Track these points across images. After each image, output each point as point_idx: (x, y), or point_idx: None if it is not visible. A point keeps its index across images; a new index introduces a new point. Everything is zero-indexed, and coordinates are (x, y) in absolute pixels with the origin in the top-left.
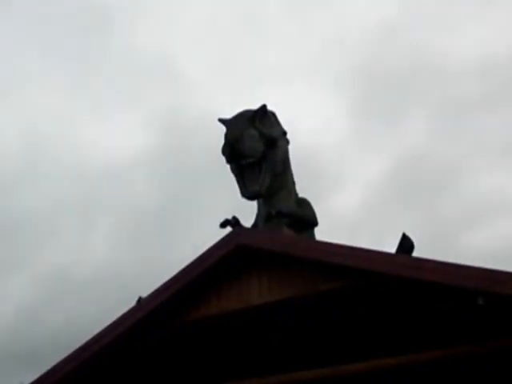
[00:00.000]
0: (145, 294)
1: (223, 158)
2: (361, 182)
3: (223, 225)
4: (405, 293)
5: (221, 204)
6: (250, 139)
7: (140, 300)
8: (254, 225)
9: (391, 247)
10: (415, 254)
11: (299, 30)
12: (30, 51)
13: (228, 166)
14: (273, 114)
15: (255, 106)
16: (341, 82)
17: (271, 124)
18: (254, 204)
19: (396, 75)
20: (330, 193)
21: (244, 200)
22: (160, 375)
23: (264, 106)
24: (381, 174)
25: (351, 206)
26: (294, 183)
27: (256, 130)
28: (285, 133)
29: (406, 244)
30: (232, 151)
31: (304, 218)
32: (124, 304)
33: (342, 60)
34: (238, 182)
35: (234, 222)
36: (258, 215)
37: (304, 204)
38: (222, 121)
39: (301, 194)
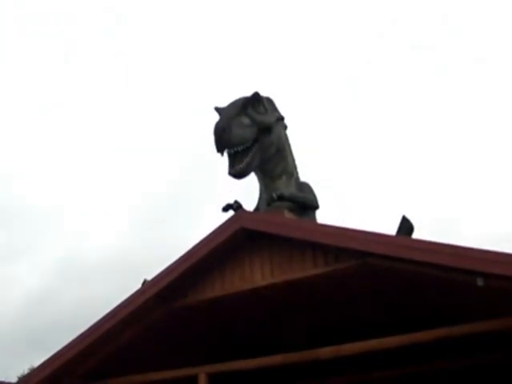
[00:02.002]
0: (150, 277)
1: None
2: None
3: (225, 209)
4: (405, 274)
5: (223, 189)
6: (238, 128)
7: (145, 283)
8: (256, 209)
9: (392, 229)
10: (415, 235)
11: (296, 26)
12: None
13: None
14: (269, 100)
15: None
16: (341, 68)
17: (265, 110)
18: (256, 188)
19: (395, 63)
20: (333, 178)
21: (246, 186)
22: (165, 356)
23: (256, 93)
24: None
25: (353, 190)
26: (295, 167)
27: (248, 117)
28: (281, 118)
29: (405, 226)
30: (219, 141)
31: (305, 201)
32: (131, 287)
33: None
34: (229, 160)
35: (236, 206)
36: (259, 199)
37: (305, 188)
38: (217, 110)
39: (304, 178)
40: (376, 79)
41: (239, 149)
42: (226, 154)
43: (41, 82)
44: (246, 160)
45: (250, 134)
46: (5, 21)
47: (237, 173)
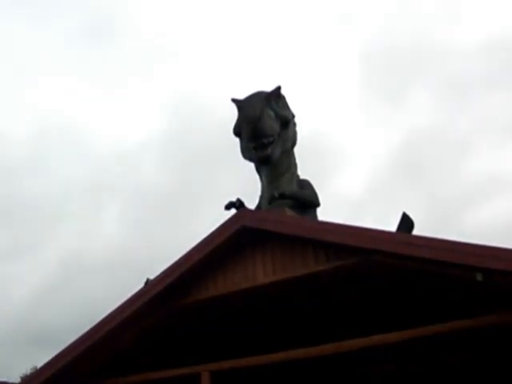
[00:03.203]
0: (153, 276)
1: (235, 136)
2: (365, 162)
3: (228, 207)
4: (405, 270)
5: (226, 187)
6: (269, 119)
7: (147, 282)
8: (258, 207)
9: (392, 226)
10: (416, 232)
11: (308, 10)
12: (43, 37)
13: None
14: (283, 97)
15: (264, 88)
16: (347, 63)
17: (284, 106)
18: (258, 187)
19: (400, 55)
20: (334, 173)
21: (249, 183)
22: (168, 354)
23: (279, 88)
24: (385, 153)
25: (355, 185)
26: (296, 166)
27: (272, 111)
28: (294, 115)
29: (406, 222)
30: (254, 130)
31: (306, 199)
32: (133, 286)
33: (347, 41)
34: (248, 148)
35: (238, 204)
36: (261, 197)
37: (306, 185)
38: (235, 101)
39: (304, 175)
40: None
41: (270, 140)
42: (251, 143)
43: None
44: (272, 146)
45: (277, 128)
46: None
47: (263, 157)
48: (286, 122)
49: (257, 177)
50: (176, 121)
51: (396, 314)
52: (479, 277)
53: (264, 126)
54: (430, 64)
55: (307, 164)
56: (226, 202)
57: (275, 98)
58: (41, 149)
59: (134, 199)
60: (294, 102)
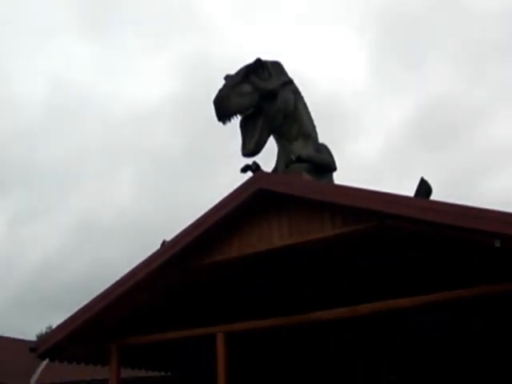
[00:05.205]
0: (169, 237)
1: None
2: (381, 128)
3: (244, 170)
4: (422, 235)
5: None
6: (236, 96)
7: (164, 243)
8: (274, 170)
9: (410, 191)
10: (433, 197)
11: None
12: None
13: None
14: (276, 64)
15: (278, 54)
16: (361, 27)
17: (269, 76)
18: (275, 150)
19: (417, 19)
20: (352, 138)
21: (264, 148)
22: (184, 315)
23: (258, 60)
24: (401, 119)
25: (372, 150)
26: (314, 127)
27: (250, 85)
28: (289, 81)
29: (423, 188)
30: (218, 110)
31: (323, 163)
32: (149, 248)
33: (362, 6)
34: (242, 139)
35: (254, 167)
36: (277, 161)
37: (323, 149)
38: (225, 78)
39: (321, 140)
40: None
41: (239, 116)
42: (227, 123)
43: None
44: (254, 139)
45: (250, 101)
46: None
47: (248, 153)
48: (270, 92)
49: (273, 140)
50: (190, 84)
51: (412, 278)
52: (497, 243)
53: (225, 106)
54: (447, 30)
55: (323, 128)
56: (242, 164)
57: (256, 70)
58: (56, 112)
59: (149, 162)
60: (310, 68)
